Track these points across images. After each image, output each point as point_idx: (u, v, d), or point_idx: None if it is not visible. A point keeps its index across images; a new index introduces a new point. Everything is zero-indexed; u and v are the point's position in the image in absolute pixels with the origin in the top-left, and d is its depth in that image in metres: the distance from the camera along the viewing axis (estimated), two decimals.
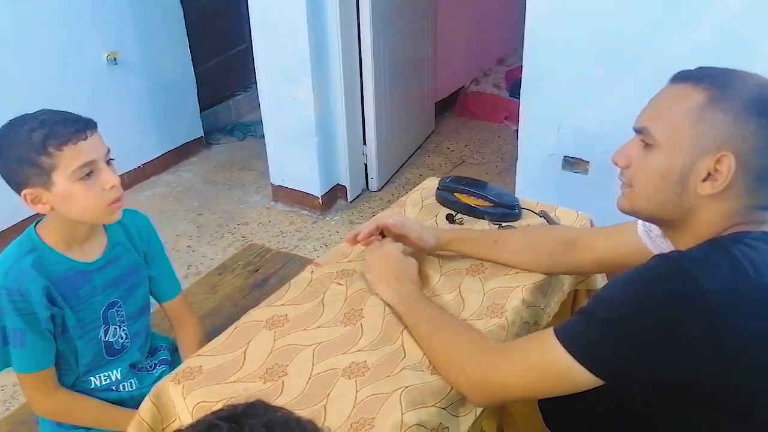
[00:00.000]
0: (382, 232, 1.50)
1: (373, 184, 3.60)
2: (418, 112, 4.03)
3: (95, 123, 1.30)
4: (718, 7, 2.14)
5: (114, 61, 3.36)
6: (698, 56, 2.17)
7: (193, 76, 3.87)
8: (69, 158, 1.24)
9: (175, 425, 1.23)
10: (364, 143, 3.48)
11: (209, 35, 4.05)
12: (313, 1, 2.95)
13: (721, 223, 0.98)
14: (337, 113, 3.27)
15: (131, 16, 3.43)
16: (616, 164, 1.07)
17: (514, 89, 4.46)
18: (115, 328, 1.48)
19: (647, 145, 1.01)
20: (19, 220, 2.83)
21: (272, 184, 3.50)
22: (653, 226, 1.25)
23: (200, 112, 3.99)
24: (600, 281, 1.70)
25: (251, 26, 3.10)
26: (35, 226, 1.37)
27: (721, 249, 0.94)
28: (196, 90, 3.90)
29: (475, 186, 1.71)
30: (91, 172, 1.28)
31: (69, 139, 1.24)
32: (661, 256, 0.99)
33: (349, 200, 3.49)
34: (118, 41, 3.38)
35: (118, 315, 1.47)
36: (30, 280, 1.30)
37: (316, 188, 3.37)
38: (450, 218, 1.66)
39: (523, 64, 2.57)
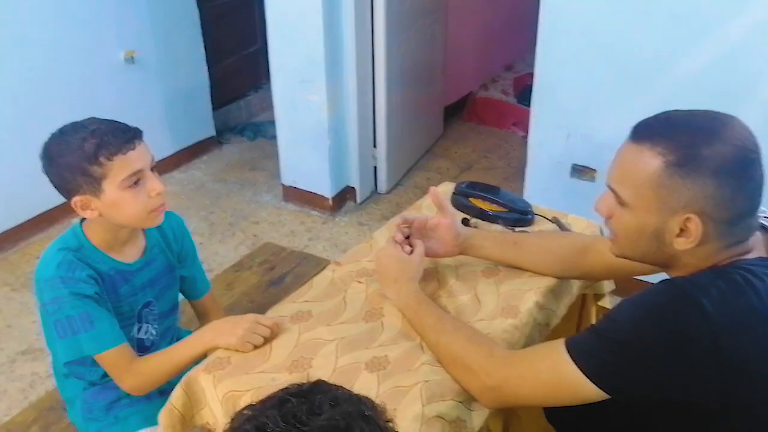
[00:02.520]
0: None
1: (382, 187, 3.66)
2: (427, 117, 4.09)
3: (141, 132, 1.36)
4: (728, 24, 2.20)
5: (131, 60, 3.42)
6: (707, 71, 2.26)
7: (207, 75, 3.93)
8: (119, 168, 1.31)
9: (205, 412, 1.29)
10: (374, 146, 3.54)
11: (223, 36, 4.12)
12: (329, 4, 3.02)
13: (710, 259, 1.02)
14: (350, 116, 3.33)
15: (148, 15, 3.49)
16: (598, 214, 1.12)
17: (522, 96, 4.53)
18: (148, 326, 1.54)
19: (620, 202, 1.05)
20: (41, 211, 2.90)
21: (283, 184, 3.57)
22: None
23: (213, 111, 4.05)
24: (607, 286, 1.76)
25: (267, 28, 3.17)
26: (80, 225, 1.43)
27: (722, 275, 0.99)
28: (209, 89, 3.96)
29: (489, 191, 1.77)
30: (138, 180, 1.34)
31: (119, 149, 1.30)
32: (667, 282, 1.04)
33: (358, 202, 3.55)
34: (135, 40, 3.45)
35: (151, 314, 1.54)
36: (81, 269, 1.36)
37: (326, 189, 3.43)
38: (465, 222, 1.72)
39: (535, 73, 2.63)
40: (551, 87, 2.61)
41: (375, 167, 3.60)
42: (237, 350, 1.30)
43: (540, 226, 1.72)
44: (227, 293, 2.09)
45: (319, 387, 0.68)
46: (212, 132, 4.07)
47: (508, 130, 4.46)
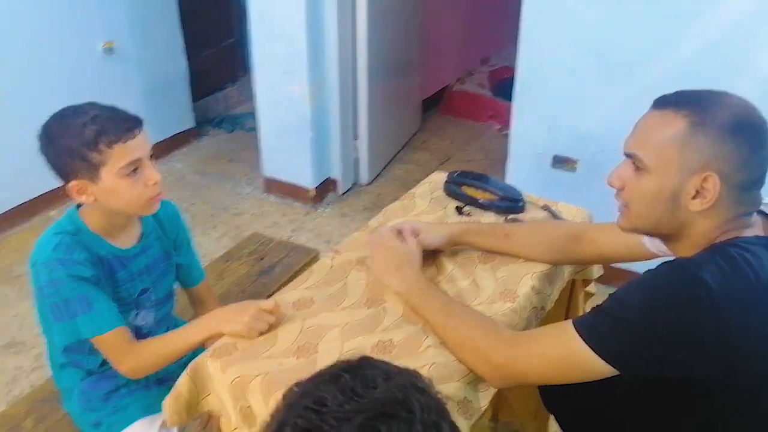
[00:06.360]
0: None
1: (363, 179, 3.68)
2: (406, 110, 4.12)
3: (142, 121, 1.35)
4: (708, 17, 2.26)
5: (110, 51, 3.38)
6: (687, 64, 2.33)
7: (186, 67, 3.90)
8: (118, 156, 1.30)
9: (210, 399, 1.30)
10: (356, 138, 3.56)
11: (201, 28, 4.09)
12: None
13: (714, 231, 1.08)
14: (332, 108, 3.34)
15: (127, 6, 3.46)
16: (611, 186, 1.15)
17: (498, 89, 4.59)
18: (145, 313, 1.54)
19: (638, 168, 1.09)
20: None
21: (264, 176, 3.56)
22: None
23: (192, 103, 4.02)
24: (596, 272, 1.81)
25: (249, 20, 3.16)
26: (77, 210, 1.43)
27: (722, 253, 1.03)
28: (188, 81, 3.94)
29: (481, 180, 1.80)
30: (136, 168, 1.34)
31: (119, 137, 1.30)
32: (669, 264, 1.07)
33: (340, 193, 3.57)
34: (114, 31, 3.41)
35: (148, 300, 1.53)
36: (79, 251, 1.35)
37: (308, 181, 3.44)
38: (459, 210, 1.76)
39: (517, 65, 2.67)
40: (533, 79, 2.66)
41: (356, 159, 3.62)
42: (242, 337, 1.31)
43: (531, 213, 1.76)
44: (218, 283, 2.08)
45: (368, 362, 0.69)
46: (192, 124, 4.05)
47: (484, 123, 4.51)
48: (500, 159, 3.54)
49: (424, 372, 1.20)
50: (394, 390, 0.64)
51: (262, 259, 2.22)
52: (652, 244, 1.35)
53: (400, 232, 1.52)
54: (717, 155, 1.02)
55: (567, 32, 2.52)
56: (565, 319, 1.89)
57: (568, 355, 1.09)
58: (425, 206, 1.79)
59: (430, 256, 1.56)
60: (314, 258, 2.27)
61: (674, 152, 1.04)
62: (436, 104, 4.64)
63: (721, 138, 1.01)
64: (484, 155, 4.07)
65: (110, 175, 1.32)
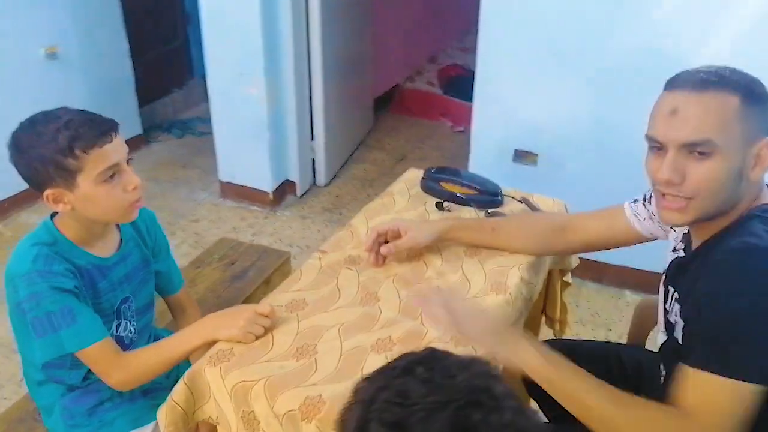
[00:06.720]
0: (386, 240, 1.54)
1: (321, 179, 3.65)
2: (359, 109, 4.12)
3: (117, 124, 1.30)
4: (656, 12, 2.34)
5: (53, 55, 3.26)
6: (633, 54, 2.40)
7: (132, 71, 3.79)
8: (95, 161, 1.25)
9: (208, 407, 1.27)
10: (312, 139, 3.53)
11: (145, 30, 3.98)
12: None
13: (753, 198, 1.09)
14: (288, 109, 3.31)
15: (69, 9, 3.33)
16: (670, 183, 1.07)
17: (448, 87, 4.63)
18: (126, 323, 1.49)
19: (702, 155, 1.04)
20: None
21: (220, 181, 3.50)
22: (641, 210, 1.39)
23: (138, 108, 3.91)
24: (574, 262, 1.85)
25: (201, 20, 3.09)
26: (52, 219, 1.37)
27: (764, 222, 1.05)
28: (134, 86, 3.83)
29: (458, 175, 1.81)
30: (114, 174, 1.29)
31: (96, 142, 1.24)
32: (739, 254, 1.02)
33: (298, 195, 3.53)
34: (56, 36, 3.29)
35: (129, 310, 1.48)
36: (58, 263, 1.30)
37: (266, 184, 3.39)
38: (439, 206, 1.76)
39: (477, 64, 2.70)
40: (492, 75, 2.69)
41: (313, 160, 3.59)
42: (238, 341, 1.28)
43: (510, 206, 1.79)
44: (191, 290, 2.02)
45: (436, 354, 0.69)
46: (139, 130, 3.94)
47: (436, 121, 4.54)
48: (456, 156, 3.57)
49: None
50: (474, 378, 0.63)
51: (233, 263, 2.18)
52: (642, 227, 1.39)
53: (380, 235, 1.52)
54: (765, 122, 1.05)
55: (524, 28, 2.56)
56: (543, 309, 1.93)
57: (725, 401, 0.98)
58: (405, 203, 1.79)
59: (417, 251, 1.56)
60: (286, 260, 2.25)
61: (738, 127, 1.03)
62: (386, 103, 4.65)
63: (763, 105, 1.04)
64: (440, 153, 4.10)
65: (88, 182, 1.27)
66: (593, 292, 2.85)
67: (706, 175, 1.04)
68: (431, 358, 0.66)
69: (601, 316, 2.73)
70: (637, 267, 2.75)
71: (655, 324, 1.66)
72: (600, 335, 2.60)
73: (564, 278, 1.89)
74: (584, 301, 2.81)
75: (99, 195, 1.29)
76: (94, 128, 1.27)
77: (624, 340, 2.33)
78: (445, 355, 0.68)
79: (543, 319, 1.96)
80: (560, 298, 1.90)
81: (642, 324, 1.67)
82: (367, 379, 0.69)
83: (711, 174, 1.04)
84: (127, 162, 1.34)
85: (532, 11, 2.52)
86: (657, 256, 1.38)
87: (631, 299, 2.78)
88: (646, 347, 1.70)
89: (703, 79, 1.05)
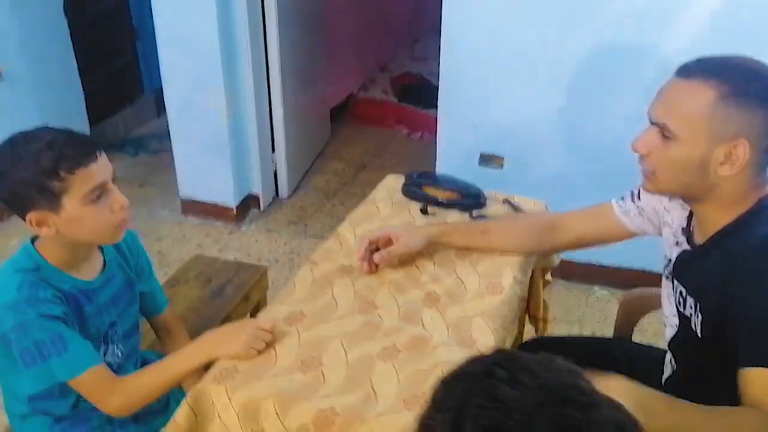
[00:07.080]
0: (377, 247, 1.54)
1: (283, 192, 3.61)
2: (317, 120, 4.09)
3: (101, 143, 1.27)
4: (619, 8, 2.40)
5: None
6: (593, 55, 2.46)
7: (81, 90, 3.68)
8: (81, 181, 1.21)
9: (213, 426, 1.23)
10: (273, 151, 3.49)
11: (93, 48, 3.87)
12: (221, 8, 2.94)
13: (742, 191, 1.11)
14: (248, 121, 3.26)
15: (14, 28, 3.21)
16: (636, 152, 1.14)
17: (402, 95, 4.66)
18: (114, 347, 1.43)
19: (665, 137, 1.09)
20: None
21: (181, 198, 3.42)
22: (630, 206, 1.42)
23: (89, 128, 3.79)
24: (556, 260, 1.88)
25: (156, 35, 3.02)
26: (32, 244, 1.31)
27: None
28: (84, 105, 3.71)
29: (441, 179, 1.82)
30: (101, 194, 1.25)
31: (81, 162, 1.20)
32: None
33: (261, 209, 3.48)
34: (2, 55, 3.16)
35: (116, 334, 1.43)
36: (44, 289, 1.25)
37: (229, 199, 3.34)
38: (424, 211, 1.76)
39: (440, 70, 2.72)
40: (456, 80, 2.71)
41: (275, 172, 3.55)
42: (240, 358, 1.25)
43: (493, 208, 1.80)
44: None
45: (506, 354, 0.68)
46: None
47: (392, 129, 4.55)
48: (416, 162, 3.57)
49: (437, 372, 1.21)
50: (560, 376, 0.63)
51: (210, 280, 2.13)
52: (631, 223, 1.42)
53: (371, 243, 1.51)
54: (747, 123, 1.04)
55: (484, 37, 2.58)
56: (526, 308, 1.95)
57: None
58: (389, 210, 1.79)
59: (409, 257, 1.56)
60: (264, 274, 2.21)
61: (703, 122, 1.05)
62: (342, 113, 4.64)
63: (751, 107, 1.04)
64: (399, 160, 4.11)
65: (74, 203, 1.22)
66: (563, 289, 2.90)
67: (663, 155, 1.10)
68: (506, 360, 0.65)
69: (573, 312, 2.78)
70: (604, 264, 2.81)
71: (642, 316, 1.71)
72: (574, 331, 2.65)
73: (546, 276, 1.92)
74: (555, 298, 2.85)
75: (85, 216, 1.24)
76: (78, 147, 1.23)
77: (597, 335, 2.38)
78: (517, 355, 0.67)
79: (526, 318, 1.98)
80: (542, 296, 1.93)
81: (628, 317, 1.70)
82: (445, 387, 0.67)
83: (667, 156, 1.10)
84: (113, 180, 1.30)
85: (492, 14, 2.55)
86: (624, 251, 1.39)
87: (601, 295, 2.83)
88: (632, 339, 1.74)
89: (694, 67, 1.08)
